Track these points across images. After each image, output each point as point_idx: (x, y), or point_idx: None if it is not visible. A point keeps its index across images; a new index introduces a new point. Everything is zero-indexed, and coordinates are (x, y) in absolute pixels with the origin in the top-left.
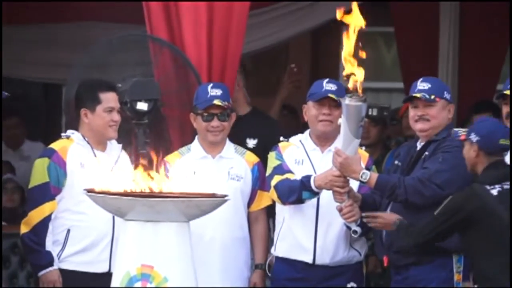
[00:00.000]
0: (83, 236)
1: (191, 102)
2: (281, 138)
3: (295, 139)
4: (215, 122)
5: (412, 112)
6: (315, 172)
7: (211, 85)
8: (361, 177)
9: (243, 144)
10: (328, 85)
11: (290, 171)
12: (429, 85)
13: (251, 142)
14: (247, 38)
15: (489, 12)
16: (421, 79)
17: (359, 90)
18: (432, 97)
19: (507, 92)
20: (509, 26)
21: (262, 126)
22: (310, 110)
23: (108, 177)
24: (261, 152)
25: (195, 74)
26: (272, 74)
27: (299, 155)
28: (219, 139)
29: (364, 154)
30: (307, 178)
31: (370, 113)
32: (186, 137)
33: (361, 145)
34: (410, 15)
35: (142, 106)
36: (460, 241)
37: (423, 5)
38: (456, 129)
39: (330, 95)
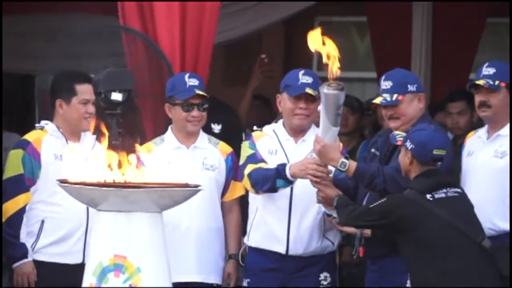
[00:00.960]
0: (57, 227)
1: (163, 93)
2: (255, 128)
3: (268, 128)
4: (195, 112)
5: (383, 111)
6: (288, 162)
7: (187, 75)
8: (340, 165)
9: (209, 129)
10: (304, 78)
11: (263, 160)
12: (391, 84)
13: (217, 128)
14: (219, 28)
15: (462, 1)
16: (383, 77)
17: (334, 76)
18: (395, 97)
19: (479, 82)
20: (509, 24)
21: (224, 112)
22: (285, 103)
23: (82, 168)
24: (226, 138)
25: (167, 65)
26: (245, 64)
27: (273, 145)
28: (198, 129)
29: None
30: (282, 166)
31: None
32: (159, 127)
33: (340, 134)
34: (383, 4)
35: (116, 96)
36: (400, 249)
37: None
38: (395, 133)
39: (307, 90)
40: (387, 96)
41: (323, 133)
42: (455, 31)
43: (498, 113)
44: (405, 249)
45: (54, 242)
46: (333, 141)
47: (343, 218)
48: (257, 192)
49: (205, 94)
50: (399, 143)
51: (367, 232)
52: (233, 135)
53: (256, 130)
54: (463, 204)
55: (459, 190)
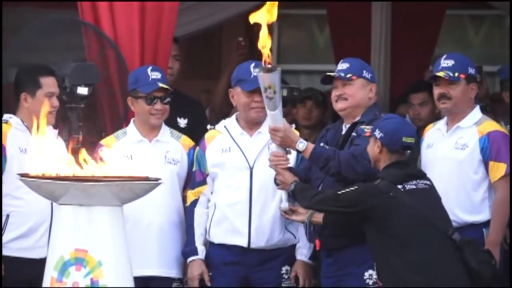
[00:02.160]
0: (21, 221)
1: (123, 86)
2: (209, 126)
3: (220, 125)
4: (158, 105)
5: (333, 93)
6: (244, 157)
7: (150, 68)
8: (298, 146)
9: (175, 123)
10: (256, 71)
11: (202, 182)
12: (347, 65)
13: (183, 122)
14: (180, 21)
15: None
16: (342, 60)
17: (268, 60)
18: (349, 75)
19: (440, 73)
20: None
21: (190, 106)
22: (240, 97)
23: (43, 161)
24: (192, 131)
25: (120, 58)
26: (206, 57)
27: (225, 142)
28: (161, 122)
29: (295, 133)
30: (189, 251)
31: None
32: (115, 122)
33: (303, 126)
34: None
35: (82, 90)
36: (367, 237)
37: None
38: (361, 127)
39: None
40: (341, 73)
41: (268, 119)
42: (415, 24)
43: (459, 105)
44: (372, 238)
45: (19, 237)
46: (279, 123)
47: (306, 201)
48: None
49: (168, 87)
50: (367, 134)
51: (318, 219)
52: (199, 129)
53: (210, 129)
54: (433, 196)
55: (428, 182)
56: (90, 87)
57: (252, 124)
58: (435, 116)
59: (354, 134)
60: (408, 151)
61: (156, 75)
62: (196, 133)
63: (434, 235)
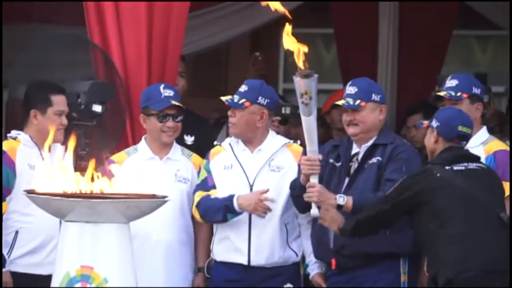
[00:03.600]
0: (30, 238)
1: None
2: (215, 142)
3: (225, 142)
4: (170, 123)
5: (344, 117)
6: (245, 174)
7: (162, 85)
8: (338, 200)
9: (181, 141)
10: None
11: (213, 187)
12: (356, 89)
13: (189, 139)
14: (187, 39)
15: (429, 13)
16: (349, 82)
17: (300, 65)
18: (357, 102)
19: (441, 93)
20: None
21: (197, 124)
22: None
23: (51, 178)
24: (198, 149)
25: (118, 77)
26: (213, 75)
27: (228, 159)
28: (172, 140)
29: (298, 150)
30: (230, 200)
31: (283, 111)
32: (115, 140)
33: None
34: (349, 16)
35: (96, 108)
36: (415, 230)
37: (362, 7)
38: (419, 122)
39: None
40: (350, 100)
41: (303, 125)
42: (421, 44)
43: None
44: (421, 226)
45: (28, 253)
46: (310, 131)
47: (354, 220)
48: (206, 222)
49: (181, 105)
50: (424, 125)
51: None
52: (205, 147)
53: (216, 145)
54: (486, 177)
55: (481, 165)
56: (104, 105)
57: (254, 142)
58: None
59: (379, 158)
60: (465, 142)
61: (168, 92)
62: (202, 150)
63: (477, 211)
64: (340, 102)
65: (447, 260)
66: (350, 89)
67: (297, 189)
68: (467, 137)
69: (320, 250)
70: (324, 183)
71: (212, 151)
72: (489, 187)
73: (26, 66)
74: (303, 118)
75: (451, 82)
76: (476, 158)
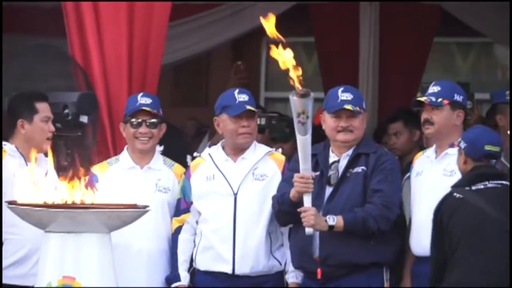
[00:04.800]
0: (16, 249)
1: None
2: (195, 154)
3: (205, 153)
4: (143, 129)
5: (334, 123)
6: (228, 183)
7: (141, 94)
8: (329, 221)
9: None
10: (241, 96)
11: (185, 210)
12: (352, 96)
13: (158, 149)
14: (168, 49)
15: (410, 20)
16: (342, 88)
17: (297, 85)
18: (357, 108)
19: (421, 98)
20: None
21: (167, 133)
22: (226, 124)
23: (33, 189)
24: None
25: (89, 86)
26: (194, 85)
27: (209, 170)
28: (148, 147)
29: (280, 158)
30: (172, 279)
31: (258, 122)
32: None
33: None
34: (330, 25)
35: (83, 118)
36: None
37: (343, 15)
38: (452, 142)
39: (248, 107)
40: (352, 106)
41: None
42: (402, 51)
43: (442, 131)
44: (440, 247)
45: (13, 264)
46: (304, 150)
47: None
48: None
49: (151, 110)
50: (455, 146)
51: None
52: (176, 157)
53: (196, 157)
54: (505, 195)
55: (503, 182)
56: (90, 116)
57: (237, 151)
58: (413, 145)
59: (364, 167)
60: (494, 160)
61: (145, 100)
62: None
63: (489, 230)
64: (348, 106)
65: (449, 282)
66: (346, 95)
67: (286, 205)
68: (495, 156)
69: (303, 259)
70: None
71: (192, 163)
72: (505, 204)
73: (11, 78)
74: (298, 137)
75: (433, 88)
76: (500, 176)
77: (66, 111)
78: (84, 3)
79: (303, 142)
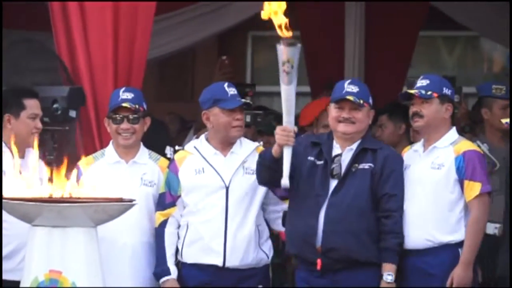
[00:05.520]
0: (4, 244)
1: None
2: (177, 147)
3: (189, 146)
4: (125, 125)
5: (337, 113)
6: (220, 176)
7: (123, 89)
8: (387, 280)
9: None
10: (231, 90)
11: (171, 204)
12: (358, 89)
13: None
14: (153, 44)
15: (396, 14)
16: (349, 80)
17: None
18: (361, 101)
19: (411, 91)
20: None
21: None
22: (219, 117)
23: (19, 183)
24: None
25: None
26: (179, 80)
27: (198, 163)
28: (131, 142)
29: None
30: (160, 273)
31: (245, 119)
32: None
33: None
34: (315, 19)
35: (72, 113)
36: None
37: (329, 10)
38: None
39: (242, 100)
40: (354, 98)
41: (282, 93)
42: (388, 46)
43: (431, 124)
44: None
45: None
46: (288, 100)
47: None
48: None
49: (131, 107)
50: (506, 126)
51: None
52: (160, 151)
53: (178, 150)
54: None
55: None
56: (78, 110)
57: (225, 145)
58: (399, 138)
59: (371, 164)
60: None
61: (126, 95)
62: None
63: None
64: (350, 97)
65: None
66: (351, 88)
67: (267, 160)
68: None
69: (304, 248)
70: (305, 180)
71: (177, 157)
72: None
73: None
74: (283, 87)
75: (422, 82)
76: None
77: (56, 105)
78: (70, 3)
79: (287, 92)
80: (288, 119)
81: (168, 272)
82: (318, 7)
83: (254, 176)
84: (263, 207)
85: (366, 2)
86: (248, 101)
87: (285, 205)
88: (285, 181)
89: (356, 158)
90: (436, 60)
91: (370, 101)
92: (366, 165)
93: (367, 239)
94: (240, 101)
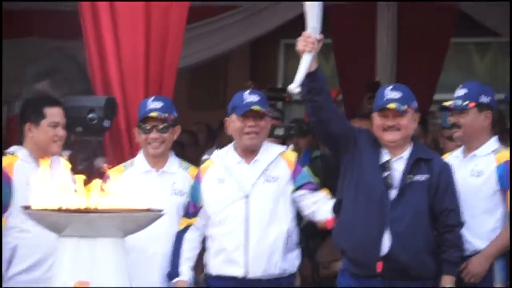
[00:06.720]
0: (29, 254)
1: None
2: (205, 157)
3: (214, 155)
4: (154, 134)
5: (381, 121)
6: (239, 186)
7: (152, 98)
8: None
9: None
10: (250, 97)
11: (194, 214)
12: (401, 94)
13: None
14: (185, 52)
15: (427, 21)
16: (390, 86)
17: None
18: (404, 107)
19: (446, 103)
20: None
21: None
22: (234, 124)
23: (48, 193)
24: None
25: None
26: (211, 88)
27: (220, 173)
28: (160, 151)
29: (291, 159)
30: (172, 275)
31: (276, 132)
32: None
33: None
34: (347, 26)
35: (106, 123)
36: None
37: (361, 15)
38: None
39: (253, 107)
40: (396, 105)
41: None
42: (420, 52)
43: (469, 134)
44: None
45: (26, 269)
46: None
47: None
48: None
49: (159, 116)
50: None
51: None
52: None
53: (205, 159)
54: None
55: None
56: (111, 120)
57: (248, 152)
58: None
59: (428, 175)
60: None
61: (155, 104)
62: None
63: None
64: (391, 106)
65: None
66: (394, 94)
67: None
68: None
69: (362, 254)
70: (364, 172)
71: (202, 167)
72: None
73: (31, 81)
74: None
75: (459, 92)
76: None
77: (92, 115)
78: (100, 3)
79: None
80: (312, 24)
81: (179, 274)
82: (350, 15)
83: (276, 184)
84: (300, 204)
85: (398, 3)
86: (257, 109)
87: (322, 194)
88: (292, 87)
89: (411, 169)
90: (468, 66)
91: (414, 104)
92: (422, 177)
93: (427, 257)
94: (249, 107)
